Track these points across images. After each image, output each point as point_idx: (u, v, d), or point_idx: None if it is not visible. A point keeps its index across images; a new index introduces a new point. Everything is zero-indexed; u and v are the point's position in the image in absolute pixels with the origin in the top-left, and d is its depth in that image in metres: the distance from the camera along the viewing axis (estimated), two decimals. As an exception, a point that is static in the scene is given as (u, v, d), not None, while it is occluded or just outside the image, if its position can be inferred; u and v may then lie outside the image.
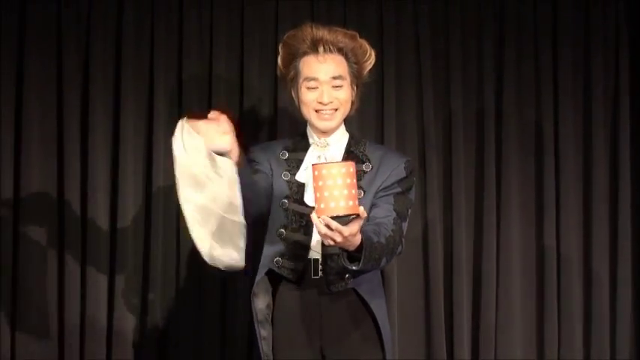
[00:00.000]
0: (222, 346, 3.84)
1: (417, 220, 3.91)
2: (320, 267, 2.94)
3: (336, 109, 2.96)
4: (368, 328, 2.95)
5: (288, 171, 2.98)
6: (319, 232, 2.66)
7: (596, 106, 4.03)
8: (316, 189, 2.64)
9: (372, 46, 3.02)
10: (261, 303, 2.94)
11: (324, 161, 2.95)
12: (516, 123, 4.01)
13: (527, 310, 4.00)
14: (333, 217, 2.62)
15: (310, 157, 2.99)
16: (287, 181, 2.97)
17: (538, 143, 4.03)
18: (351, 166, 2.64)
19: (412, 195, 3.02)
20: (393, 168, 2.97)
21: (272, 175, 2.99)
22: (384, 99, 3.95)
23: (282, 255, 2.95)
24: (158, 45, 3.87)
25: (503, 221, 3.99)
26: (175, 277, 3.86)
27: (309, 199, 2.93)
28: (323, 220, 2.62)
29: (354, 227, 2.65)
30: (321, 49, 2.94)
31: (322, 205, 2.62)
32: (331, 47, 2.95)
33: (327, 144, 3.00)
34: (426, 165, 3.95)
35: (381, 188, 2.93)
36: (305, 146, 3.03)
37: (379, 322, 2.94)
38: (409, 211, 2.99)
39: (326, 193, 2.61)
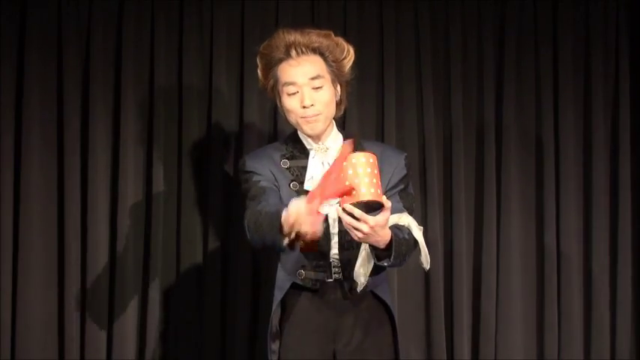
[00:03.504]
0: (222, 346, 3.84)
1: (417, 220, 3.89)
2: (338, 271, 2.92)
3: (319, 114, 2.91)
4: (385, 330, 2.94)
5: (295, 180, 2.94)
6: (345, 224, 2.63)
7: (596, 107, 4.03)
8: None
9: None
10: (276, 317, 2.93)
11: (329, 165, 2.90)
12: (516, 123, 4.01)
13: (528, 311, 4.00)
14: (355, 205, 2.59)
15: (313, 165, 2.95)
16: (297, 192, 2.91)
17: (538, 143, 4.03)
18: (371, 157, 2.62)
19: (412, 190, 3.02)
20: (394, 166, 2.96)
21: (277, 183, 2.94)
22: (384, 99, 3.95)
23: (303, 266, 2.91)
24: (158, 45, 3.86)
25: (504, 221, 3.99)
26: (175, 276, 3.86)
27: (320, 207, 2.91)
28: (347, 208, 2.59)
29: (379, 218, 2.62)
30: (293, 52, 2.89)
31: (345, 196, 2.60)
32: (304, 49, 2.89)
33: (327, 148, 2.97)
34: (425, 164, 3.94)
35: (387, 188, 2.91)
36: (303, 152, 2.98)
37: (396, 325, 2.94)
38: (414, 205, 3.00)
39: (346, 183, 2.59)
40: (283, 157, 2.97)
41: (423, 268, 2.92)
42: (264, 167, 2.95)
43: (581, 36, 4.06)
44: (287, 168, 2.96)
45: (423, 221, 3.93)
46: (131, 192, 3.83)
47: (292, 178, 2.94)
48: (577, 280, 4.01)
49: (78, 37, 3.84)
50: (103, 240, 3.81)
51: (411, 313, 3.94)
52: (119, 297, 3.81)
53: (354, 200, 2.59)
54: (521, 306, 4.00)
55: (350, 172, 2.59)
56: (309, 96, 2.89)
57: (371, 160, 2.61)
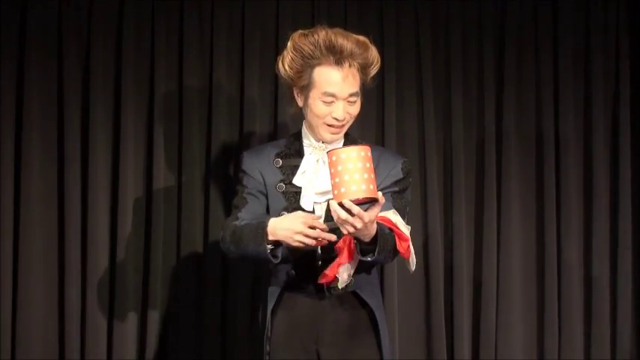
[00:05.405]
0: (222, 346, 3.83)
1: (417, 221, 3.91)
2: (319, 271, 2.93)
3: (346, 124, 2.94)
4: (366, 330, 2.94)
5: (283, 181, 2.95)
6: (338, 219, 2.62)
7: (596, 109, 4.03)
8: (334, 174, 2.58)
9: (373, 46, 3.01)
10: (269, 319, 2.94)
11: (324, 163, 2.92)
12: (517, 125, 4.01)
13: (528, 312, 4.00)
14: (353, 201, 2.57)
15: (308, 161, 2.96)
16: (283, 193, 2.94)
17: (538, 144, 4.03)
18: (368, 151, 2.61)
19: (409, 195, 3.01)
20: (390, 169, 2.97)
21: (265, 185, 2.95)
22: (384, 100, 3.94)
23: (294, 266, 2.93)
24: (158, 45, 3.86)
25: (504, 223, 3.98)
26: (175, 276, 3.86)
27: (305, 202, 2.92)
28: (345, 204, 2.58)
29: (373, 213, 2.62)
30: (346, 64, 2.87)
31: (343, 190, 2.57)
32: (351, 62, 2.88)
33: (325, 147, 2.97)
34: (426, 167, 3.94)
35: (379, 189, 2.91)
36: (299, 150, 2.99)
37: (379, 325, 2.93)
38: (407, 209, 2.98)
39: (346, 177, 2.56)
40: (278, 156, 2.98)
41: (409, 270, 2.91)
42: (255, 169, 2.98)
43: (581, 37, 4.06)
44: (279, 167, 2.97)
45: (422, 222, 3.93)
46: (131, 192, 3.83)
47: (282, 177, 2.95)
48: (577, 281, 4.01)
49: (78, 38, 3.84)
50: (103, 240, 3.81)
51: (411, 313, 3.94)
52: (119, 297, 3.80)
53: (351, 197, 2.57)
54: (521, 307, 3.99)
55: (340, 168, 2.57)
56: (344, 110, 2.90)
57: (362, 154, 2.58)
